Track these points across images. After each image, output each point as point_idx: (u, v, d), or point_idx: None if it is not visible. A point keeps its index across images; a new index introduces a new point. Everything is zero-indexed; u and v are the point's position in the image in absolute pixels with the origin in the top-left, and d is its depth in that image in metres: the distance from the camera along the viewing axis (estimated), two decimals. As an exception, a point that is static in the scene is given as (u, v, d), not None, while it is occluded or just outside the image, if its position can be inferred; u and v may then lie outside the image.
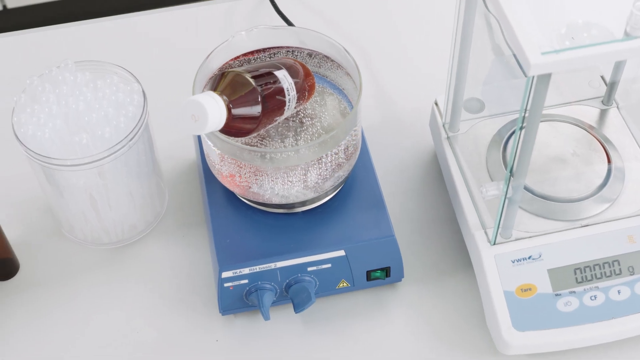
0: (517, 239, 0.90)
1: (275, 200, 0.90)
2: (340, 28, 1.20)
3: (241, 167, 0.88)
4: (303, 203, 0.92)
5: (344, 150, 0.89)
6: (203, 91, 0.89)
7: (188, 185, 1.04)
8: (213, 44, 0.93)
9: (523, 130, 0.80)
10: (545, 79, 0.75)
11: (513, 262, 0.89)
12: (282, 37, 0.95)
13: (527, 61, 0.73)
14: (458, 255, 0.97)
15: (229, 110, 0.81)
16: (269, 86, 0.84)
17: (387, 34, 1.20)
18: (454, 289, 0.95)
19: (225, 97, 0.81)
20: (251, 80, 0.82)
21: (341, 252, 0.90)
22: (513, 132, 0.97)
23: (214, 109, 0.79)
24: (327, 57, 0.94)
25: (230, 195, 0.94)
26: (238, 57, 0.94)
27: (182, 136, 1.07)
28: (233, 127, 0.83)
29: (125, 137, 0.88)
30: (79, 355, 0.92)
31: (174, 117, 1.03)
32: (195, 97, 0.79)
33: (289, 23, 1.18)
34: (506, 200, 0.86)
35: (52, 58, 1.10)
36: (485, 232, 0.91)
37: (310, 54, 0.95)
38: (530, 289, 0.88)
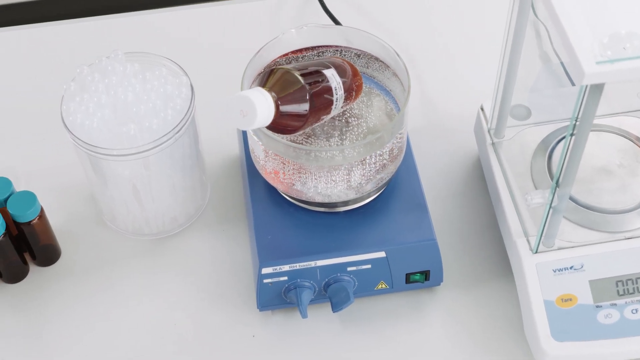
0: (559, 249, 0.89)
1: (318, 198, 0.90)
2: (385, 29, 1.20)
3: (285, 164, 0.88)
4: (345, 203, 0.92)
5: (389, 152, 0.89)
6: (251, 87, 0.89)
7: (230, 180, 1.05)
8: (260, 40, 0.94)
9: (572, 139, 0.79)
10: (598, 89, 0.75)
11: (554, 272, 0.88)
12: (331, 36, 0.95)
13: (581, 70, 0.72)
14: (498, 261, 0.97)
15: (277, 107, 0.81)
16: (317, 85, 0.84)
17: (432, 38, 1.19)
18: (492, 296, 0.95)
19: (274, 94, 0.81)
20: (300, 78, 0.82)
21: (382, 254, 0.90)
22: (559, 141, 0.97)
23: (263, 105, 0.79)
24: (376, 58, 0.94)
25: (272, 192, 0.95)
26: (287, 54, 0.94)
27: (225, 131, 1.07)
28: (280, 124, 0.83)
29: (172, 130, 0.89)
30: (115, 343, 0.93)
31: (219, 112, 1.04)
32: (244, 93, 0.79)
33: (336, 22, 1.18)
34: (551, 209, 0.85)
35: (102, 48, 1.10)
36: (528, 240, 0.90)
37: (359, 54, 0.95)
38: (570, 299, 0.88)
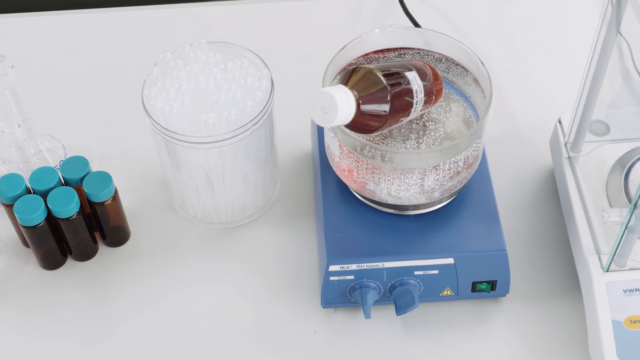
0: (631, 269, 0.88)
1: (390, 200, 0.90)
2: (463, 34, 1.19)
3: (359, 163, 0.88)
4: (417, 206, 0.92)
5: (464, 159, 0.88)
6: (332, 84, 0.90)
7: (300, 176, 1.05)
8: (338, 38, 0.94)
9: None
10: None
11: (625, 292, 0.87)
12: (414, 38, 0.95)
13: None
14: (566, 277, 0.96)
15: (357, 106, 0.81)
16: (398, 86, 0.84)
17: (512, 47, 1.19)
18: (558, 311, 0.93)
19: (355, 93, 0.81)
20: (383, 79, 0.82)
21: (450, 260, 0.89)
22: (638, 159, 0.95)
23: (345, 103, 0.79)
24: (457, 64, 0.93)
25: (344, 190, 0.95)
26: (368, 54, 0.94)
27: (299, 127, 1.07)
28: (359, 123, 0.83)
29: (250, 121, 0.89)
30: (175, 327, 0.94)
31: (298, 107, 1.04)
32: (327, 89, 0.79)
33: (415, 24, 1.18)
34: (626, 229, 0.84)
35: (186, 35, 1.12)
36: (599, 258, 0.89)
37: (440, 58, 0.94)
38: None
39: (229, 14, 1.23)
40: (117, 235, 0.99)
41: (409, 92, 0.85)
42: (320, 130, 0.99)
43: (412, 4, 1.22)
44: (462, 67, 0.93)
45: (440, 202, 0.92)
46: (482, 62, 0.90)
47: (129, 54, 1.18)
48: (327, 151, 0.93)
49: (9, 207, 0.94)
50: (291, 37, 1.20)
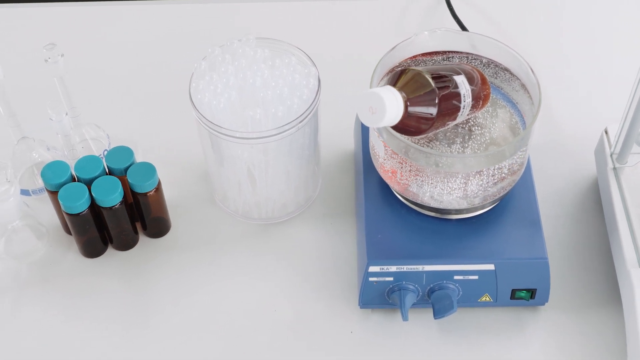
0: (674, 284, 0.87)
1: (432, 203, 0.90)
2: (511, 39, 1.18)
3: (403, 165, 0.88)
4: (459, 211, 0.91)
5: (509, 166, 0.88)
6: (379, 85, 0.89)
7: (341, 175, 1.05)
8: (385, 39, 0.93)
9: None
10: None
11: (667, 307, 0.86)
12: (463, 42, 0.94)
13: None
14: (607, 288, 0.95)
15: (405, 107, 0.81)
16: (447, 90, 0.83)
17: (559, 53, 1.18)
18: (597, 323, 0.93)
19: (403, 94, 0.81)
20: (432, 82, 0.82)
21: (490, 266, 0.89)
22: (685, 174, 0.94)
23: (393, 104, 0.79)
24: (506, 69, 0.93)
25: (386, 191, 0.94)
26: (416, 56, 0.94)
27: (342, 126, 1.07)
28: (405, 125, 0.82)
29: (296, 119, 0.90)
30: (212, 320, 0.94)
31: (343, 106, 1.04)
32: (376, 90, 0.79)
33: (463, 27, 1.18)
34: (672, 243, 0.83)
35: (235, 30, 1.12)
36: (642, 271, 0.88)
37: (488, 63, 0.94)
38: (681, 337, 0.85)
39: (277, 11, 1.24)
40: (158, 226, 1.00)
41: (457, 95, 0.84)
42: (364, 130, 0.99)
43: (459, 7, 1.21)
44: (510, 72, 0.93)
45: (482, 207, 0.92)
46: (532, 69, 0.89)
47: (177, 47, 1.19)
48: (371, 151, 0.93)
49: (54, 193, 0.95)
50: (338, 36, 1.20)
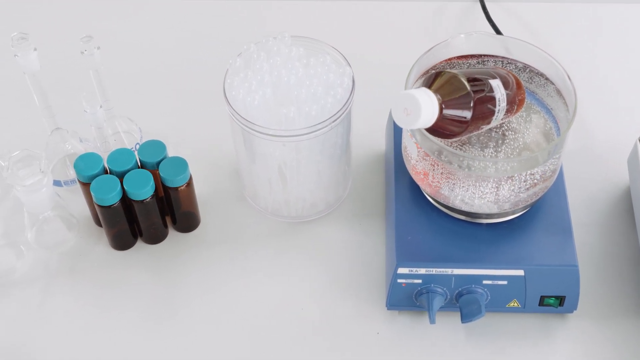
0: None
1: (463, 207, 0.90)
2: (545, 44, 1.18)
3: (435, 167, 0.88)
4: (489, 215, 0.91)
5: (542, 172, 0.87)
6: (413, 86, 0.89)
7: (371, 176, 1.05)
8: (417, 41, 0.93)
9: None
10: None
11: (698, 319, 0.85)
12: (498, 46, 0.94)
13: None
14: (636, 298, 0.94)
15: (440, 110, 0.80)
16: (482, 94, 0.83)
17: (593, 60, 1.17)
18: (625, 334, 0.92)
19: (439, 97, 0.80)
20: (467, 85, 0.82)
21: (520, 272, 0.88)
22: None
23: (428, 106, 0.79)
24: (541, 74, 0.92)
25: (417, 193, 0.94)
26: (451, 58, 0.94)
27: (374, 127, 1.07)
28: (440, 128, 0.82)
29: (330, 118, 0.90)
30: (238, 316, 0.95)
31: (372, 107, 1.04)
32: (411, 91, 0.79)
33: (497, 32, 1.17)
34: None
35: (269, 28, 1.13)
36: (673, 282, 0.87)
37: (523, 68, 0.93)
38: None
39: (312, 10, 1.24)
40: (188, 221, 1.00)
41: (492, 99, 0.84)
42: (397, 132, 0.99)
43: (494, 11, 1.21)
44: (546, 78, 0.92)
45: (513, 212, 0.92)
46: (568, 76, 0.88)
47: (212, 43, 1.19)
48: (403, 153, 0.93)
49: (85, 185, 0.95)
50: (370, 36, 1.20)
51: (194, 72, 1.16)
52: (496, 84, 0.85)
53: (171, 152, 1.06)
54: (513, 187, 0.87)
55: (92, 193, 0.93)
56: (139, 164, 0.96)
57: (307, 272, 0.97)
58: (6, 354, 0.92)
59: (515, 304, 0.91)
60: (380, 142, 1.07)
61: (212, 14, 1.24)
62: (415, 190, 0.94)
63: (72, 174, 1.04)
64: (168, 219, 1.01)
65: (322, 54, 0.95)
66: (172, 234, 1.01)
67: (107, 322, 0.94)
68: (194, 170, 1.00)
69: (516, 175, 0.86)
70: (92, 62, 0.97)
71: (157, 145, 0.96)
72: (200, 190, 1.02)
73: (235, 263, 0.98)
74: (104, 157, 0.98)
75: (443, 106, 0.80)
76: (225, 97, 0.91)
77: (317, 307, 0.95)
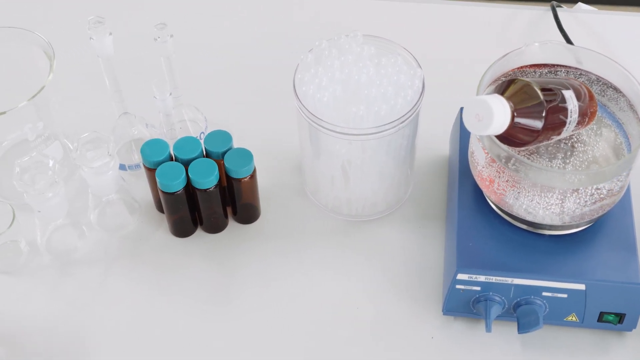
0: None
1: (527, 217, 0.89)
2: (616, 57, 1.16)
3: (501, 175, 0.87)
4: (553, 227, 0.90)
5: (609, 188, 0.86)
6: (485, 92, 0.89)
7: (434, 179, 1.05)
8: (487, 46, 0.92)
9: None
10: None
11: None
12: (571, 56, 0.93)
13: None
14: (697, 321, 0.93)
15: (512, 117, 0.80)
16: (555, 104, 0.82)
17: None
18: (684, 355, 0.91)
19: (511, 104, 0.80)
20: (540, 94, 0.81)
21: (581, 286, 0.87)
22: None
23: (500, 113, 0.78)
24: (614, 87, 0.91)
25: (480, 200, 0.94)
26: (524, 67, 0.93)
27: (439, 130, 1.07)
28: (510, 135, 0.82)
29: (398, 119, 0.89)
30: (292, 310, 0.95)
31: (438, 110, 1.04)
32: (485, 97, 0.79)
33: (569, 42, 1.16)
34: None
35: (341, 26, 1.12)
36: None
37: (597, 80, 0.92)
38: None
39: (384, 10, 1.24)
40: (248, 212, 1.01)
41: (564, 110, 0.83)
42: (463, 136, 0.98)
43: (566, 20, 1.19)
44: (619, 91, 0.91)
45: (577, 225, 0.91)
46: (643, 89, 0.87)
47: (282, 40, 1.20)
48: (470, 158, 0.93)
49: (151, 171, 0.96)
50: (442, 39, 1.20)
51: (262, 67, 1.16)
52: (569, 94, 0.84)
53: (235, 144, 1.06)
54: (579, 201, 0.86)
55: (157, 179, 0.94)
56: (205, 153, 0.97)
57: (364, 272, 0.97)
58: (64, 332, 0.94)
59: (574, 318, 0.90)
60: (443, 146, 1.07)
61: (285, 11, 1.24)
62: (478, 196, 0.94)
63: (136, 158, 1.05)
64: (229, 210, 1.01)
65: (394, 55, 0.94)
66: (232, 225, 1.01)
67: (163, 306, 0.95)
68: (256, 162, 1.01)
69: (582, 188, 0.85)
70: (165, 49, 0.98)
71: (223, 136, 0.97)
72: (261, 182, 1.02)
73: (293, 257, 0.99)
74: (170, 144, 0.98)
75: (515, 114, 0.80)
76: (295, 92, 0.91)
77: (372, 307, 0.95)
